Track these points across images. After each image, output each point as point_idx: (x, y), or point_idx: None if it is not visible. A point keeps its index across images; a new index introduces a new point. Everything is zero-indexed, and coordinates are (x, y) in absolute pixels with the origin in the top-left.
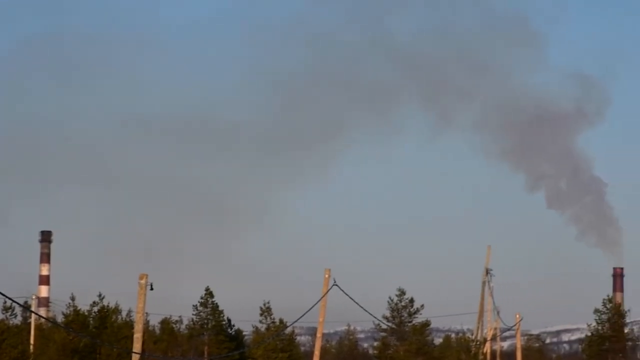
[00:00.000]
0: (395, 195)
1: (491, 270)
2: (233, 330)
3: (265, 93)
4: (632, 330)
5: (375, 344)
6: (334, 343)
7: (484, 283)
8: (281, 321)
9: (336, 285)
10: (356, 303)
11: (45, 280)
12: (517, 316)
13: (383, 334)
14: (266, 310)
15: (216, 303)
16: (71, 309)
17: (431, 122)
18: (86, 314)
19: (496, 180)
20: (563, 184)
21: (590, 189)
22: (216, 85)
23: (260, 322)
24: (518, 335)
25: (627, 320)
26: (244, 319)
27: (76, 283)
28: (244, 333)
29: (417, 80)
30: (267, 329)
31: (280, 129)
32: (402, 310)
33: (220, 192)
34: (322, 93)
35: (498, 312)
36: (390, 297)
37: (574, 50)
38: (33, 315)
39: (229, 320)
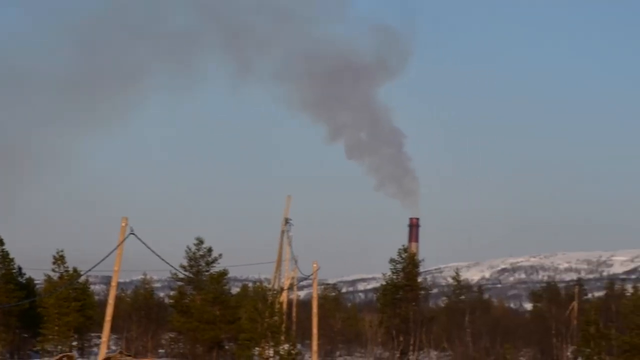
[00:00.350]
0: (195, 145)
1: (290, 220)
2: (24, 278)
3: (61, 38)
4: (425, 279)
5: (172, 293)
6: (129, 292)
7: (282, 232)
8: (75, 270)
9: (133, 234)
10: (153, 252)
11: None
12: (315, 265)
13: (180, 283)
14: (59, 259)
15: (6, 251)
16: None
17: (233, 71)
18: None
19: (297, 130)
20: (363, 134)
21: (390, 140)
22: (8, 27)
23: (53, 270)
24: (315, 284)
25: (421, 269)
26: (36, 267)
27: None
28: (35, 282)
29: (218, 29)
30: (60, 277)
31: (77, 76)
32: (199, 259)
33: (13, 138)
34: (122, 39)
35: (296, 262)
36: (188, 246)
37: (376, 2)
38: None
39: (20, 269)
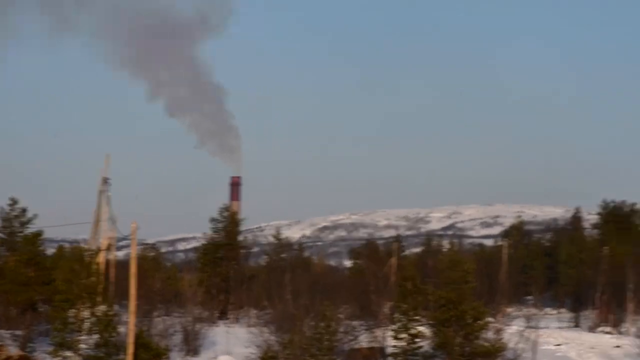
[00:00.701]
0: (9, 101)
1: (109, 179)
2: None
3: None
4: (247, 238)
5: None
6: None
7: (100, 192)
8: None
9: None
10: None
11: None
12: (133, 225)
13: None
14: None
15: None
16: None
17: (49, 27)
18: None
19: (116, 88)
20: (183, 92)
21: (211, 97)
22: None
23: None
24: (133, 244)
25: (242, 228)
26: None
27: None
28: None
29: None
30: None
31: None
32: (13, 220)
33: None
34: None
35: (114, 222)
36: (1, 207)
37: None
38: None
39: None
